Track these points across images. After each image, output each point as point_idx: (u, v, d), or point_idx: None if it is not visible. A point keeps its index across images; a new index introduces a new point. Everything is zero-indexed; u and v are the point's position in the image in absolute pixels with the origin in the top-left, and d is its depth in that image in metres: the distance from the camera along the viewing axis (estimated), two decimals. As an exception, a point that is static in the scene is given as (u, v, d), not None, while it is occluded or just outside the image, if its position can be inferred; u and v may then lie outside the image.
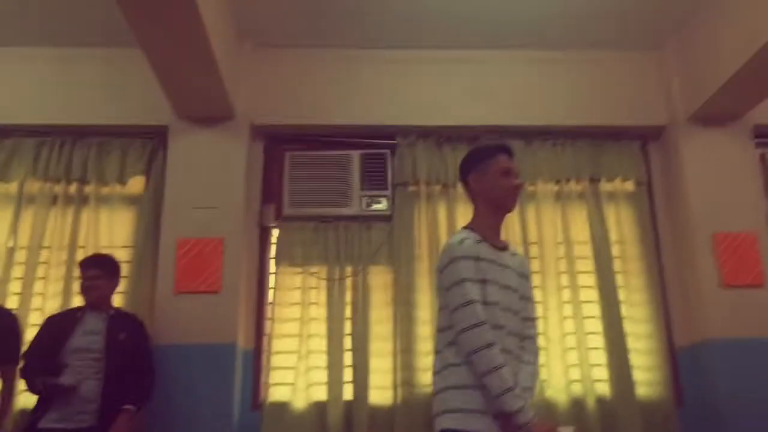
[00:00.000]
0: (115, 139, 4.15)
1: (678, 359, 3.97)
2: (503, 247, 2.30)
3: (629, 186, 4.20)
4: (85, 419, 3.13)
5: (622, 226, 4.14)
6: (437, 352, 2.22)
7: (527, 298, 2.32)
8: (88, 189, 4.09)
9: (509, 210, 2.33)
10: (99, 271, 3.41)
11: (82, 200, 4.09)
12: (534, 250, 4.04)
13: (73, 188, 4.09)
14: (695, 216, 3.96)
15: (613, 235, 4.10)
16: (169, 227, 3.87)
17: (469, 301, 2.09)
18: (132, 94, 4.13)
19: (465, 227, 2.31)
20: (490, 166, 2.30)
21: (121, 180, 4.10)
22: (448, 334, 2.17)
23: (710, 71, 3.83)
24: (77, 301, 3.68)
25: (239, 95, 4.06)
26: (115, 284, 3.50)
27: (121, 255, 3.99)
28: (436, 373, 2.19)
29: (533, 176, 4.16)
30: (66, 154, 4.10)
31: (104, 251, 3.96)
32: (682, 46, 4.17)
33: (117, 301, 3.85)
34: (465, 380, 2.09)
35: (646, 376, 3.89)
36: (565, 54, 4.29)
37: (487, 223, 2.30)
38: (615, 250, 4.08)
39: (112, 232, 4.06)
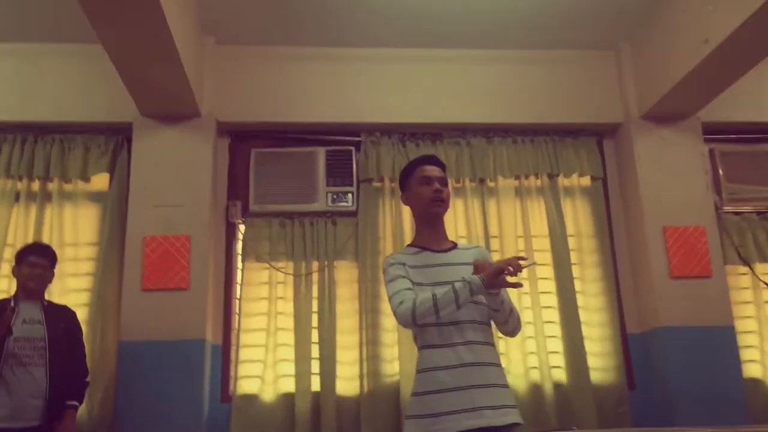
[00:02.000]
0: (77, 135, 4.13)
1: (630, 346, 4.17)
2: (449, 248, 2.42)
3: (585, 181, 4.37)
4: (32, 417, 3.08)
5: (578, 219, 4.30)
6: None
7: None
8: (51, 186, 4.08)
9: (436, 216, 2.41)
10: (48, 261, 3.36)
11: (45, 197, 4.07)
12: (495, 244, 4.18)
13: (35, 185, 4.08)
14: (646, 210, 4.14)
15: (570, 229, 4.26)
16: (135, 225, 3.89)
17: (394, 292, 2.25)
18: (95, 90, 4.10)
19: (408, 245, 2.48)
20: (413, 179, 2.43)
21: (85, 177, 4.09)
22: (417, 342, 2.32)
23: (663, 72, 3.99)
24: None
25: (203, 92, 4.07)
26: (53, 274, 3.44)
27: (86, 252, 4.02)
28: None
29: (494, 172, 4.28)
30: (28, 151, 4.07)
31: (69, 248, 3.99)
32: (637, 47, 4.32)
33: (82, 297, 3.90)
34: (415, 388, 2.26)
35: (600, 362, 4.08)
36: (525, 53, 4.40)
37: (424, 234, 2.43)
38: (572, 243, 4.24)
39: (77, 228, 4.06)
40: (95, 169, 4.09)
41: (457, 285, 2.17)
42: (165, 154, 3.99)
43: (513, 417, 2.23)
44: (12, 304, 3.18)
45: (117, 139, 4.14)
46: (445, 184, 2.42)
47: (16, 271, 3.33)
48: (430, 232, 2.43)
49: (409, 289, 2.25)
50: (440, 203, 2.38)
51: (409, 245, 2.47)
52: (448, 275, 2.32)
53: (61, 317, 3.34)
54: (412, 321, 2.20)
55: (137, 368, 3.66)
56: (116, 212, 4.01)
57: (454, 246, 2.45)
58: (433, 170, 2.41)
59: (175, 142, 4.01)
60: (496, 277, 2.17)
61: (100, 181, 4.12)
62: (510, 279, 2.20)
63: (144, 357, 3.68)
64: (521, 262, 2.19)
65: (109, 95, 4.04)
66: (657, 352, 4.02)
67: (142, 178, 3.96)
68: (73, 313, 3.46)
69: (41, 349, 3.18)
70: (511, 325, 2.36)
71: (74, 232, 4.04)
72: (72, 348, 3.32)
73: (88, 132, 4.14)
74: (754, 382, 4.08)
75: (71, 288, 3.92)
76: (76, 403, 3.25)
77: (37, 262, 3.31)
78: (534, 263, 2.25)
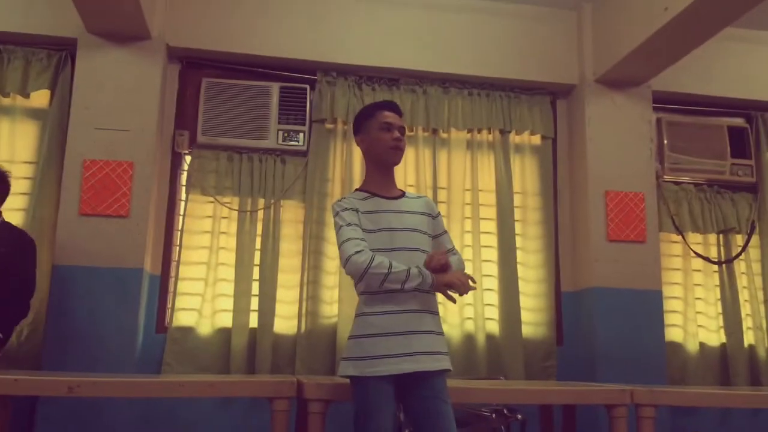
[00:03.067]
0: (18, 47, 3.91)
1: (562, 303, 4.31)
2: (398, 196, 2.44)
3: (536, 140, 4.41)
4: None
5: (525, 177, 4.36)
6: None
7: (438, 235, 2.48)
8: (-12, 99, 3.89)
9: (392, 164, 2.44)
10: None
11: (-20, 110, 3.89)
12: (443, 195, 4.21)
13: (-30, 97, 3.88)
14: (591, 173, 4.23)
15: (517, 186, 4.32)
16: (75, 147, 3.74)
17: (348, 238, 2.27)
18: (39, 1, 3.87)
19: (356, 189, 2.49)
20: (372, 123, 2.42)
21: (24, 92, 3.89)
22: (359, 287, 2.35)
23: (621, 37, 4.01)
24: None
25: (155, 13, 3.88)
26: None
27: (24, 171, 3.87)
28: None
29: (447, 124, 4.28)
30: (-37, 60, 3.85)
31: (4, 165, 3.82)
32: (599, 9, 4.32)
33: (16, 217, 3.76)
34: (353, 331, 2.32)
35: (533, 317, 4.21)
36: (488, 4, 4.36)
37: (375, 179, 2.44)
38: (517, 200, 4.31)
39: (14, 145, 3.89)
40: (35, 84, 3.89)
41: (413, 272, 2.22)
42: (111, 74, 3.82)
43: (445, 363, 2.31)
44: None
45: (60, 55, 3.93)
46: (404, 133, 2.43)
47: None
48: (380, 178, 2.44)
49: (364, 239, 2.27)
50: (399, 152, 2.40)
51: (358, 189, 2.47)
52: (397, 222, 2.36)
53: (5, 241, 3.14)
54: (360, 275, 2.24)
55: (71, 293, 3.59)
56: (56, 132, 3.84)
57: (403, 194, 2.47)
58: (395, 117, 2.42)
59: (122, 64, 3.84)
60: (445, 286, 2.28)
61: (40, 98, 3.93)
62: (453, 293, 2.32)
63: (78, 282, 3.61)
64: (471, 284, 2.31)
65: (55, 7, 3.83)
66: (586, 311, 4.17)
67: (85, 98, 3.79)
68: (24, 240, 3.27)
69: None
70: None
71: (11, 148, 3.87)
72: (12, 273, 3.12)
73: (29, 44, 3.92)
74: (675, 345, 4.29)
75: (4, 207, 3.70)
76: None
77: None
78: (473, 288, 2.39)
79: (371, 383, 2.20)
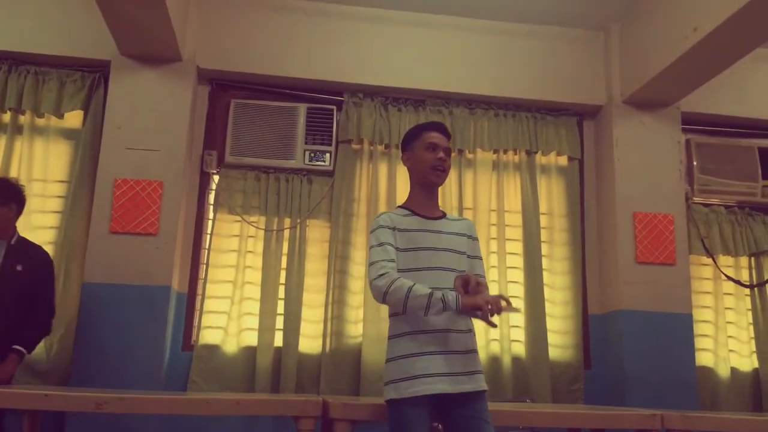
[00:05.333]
0: (53, 69, 4.01)
1: (590, 326, 4.25)
2: (438, 217, 2.44)
3: (563, 160, 4.39)
4: None
5: (552, 198, 4.34)
6: None
7: (472, 257, 2.45)
8: (23, 119, 3.99)
9: (434, 184, 2.43)
10: None
11: (16, 129, 3.98)
12: (468, 216, 4.20)
13: (6, 116, 3.97)
14: (619, 194, 4.19)
15: (543, 207, 4.30)
16: (107, 166, 3.82)
17: (374, 261, 2.27)
18: (74, 24, 3.99)
19: (399, 205, 2.49)
20: (418, 142, 2.43)
21: (58, 112, 3.99)
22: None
23: (650, 58, 3.99)
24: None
25: (186, 36, 3.97)
26: (10, 210, 3.17)
27: (56, 189, 3.96)
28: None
29: (473, 144, 4.28)
30: (0, 81, 3.95)
31: (37, 184, 3.91)
32: (627, 30, 4.31)
33: (49, 235, 3.83)
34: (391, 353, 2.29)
35: (560, 339, 4.17)
36: (514, 26, 4.37)
37: (418, 198, 2.44)
38: (543, 221, 4.29)
39: (47, 164, 3.99)
40: (69, 105, 3.98)
41: (435, 297, 2.16)
42: (142, 96, 3.90)
43: (483, 383, 2.30)
44: None
45: (94, 76, 4.03)
46: (449, 154, 2.44)
47: None
48: (423, 197, 2.44)
49: (393, 260, 2.27)
50: (441, 172, 2.41)
51: (400, 206, 2.48)
52: (435, 242, 2.35)
53: (23, 259, 3.16)
54: (381, 300, 2.25)
55: (99, 310, 3.63)
56: (88, 151, 3.93)
57: (443, 215, 2.47)
58: (441, 139, 2.43)
59: (154, 85, 3.92)
60: (473, 309, 2.18)
61: (74, 119, 4.03)
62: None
63: (107, 300, 3.65)
64: (503, 304, 2.17)
65: (89, 31, 3.93)
66: (615, 334, 4.10)
67: (117, 119, 3.87)
68: (43, 257, 3.31)
69: None
70: None
71: (44, 168, 3.96)
72: (27, 292, 3.14)
73: (64, 66, 4.02)
74: (705, 370, 4.20)
75: (37, 225, 3.85)
76: (21, 348, 3.07)
77: None
78: (515, 310, 2.30)
79: (408, 404, 2.19)
